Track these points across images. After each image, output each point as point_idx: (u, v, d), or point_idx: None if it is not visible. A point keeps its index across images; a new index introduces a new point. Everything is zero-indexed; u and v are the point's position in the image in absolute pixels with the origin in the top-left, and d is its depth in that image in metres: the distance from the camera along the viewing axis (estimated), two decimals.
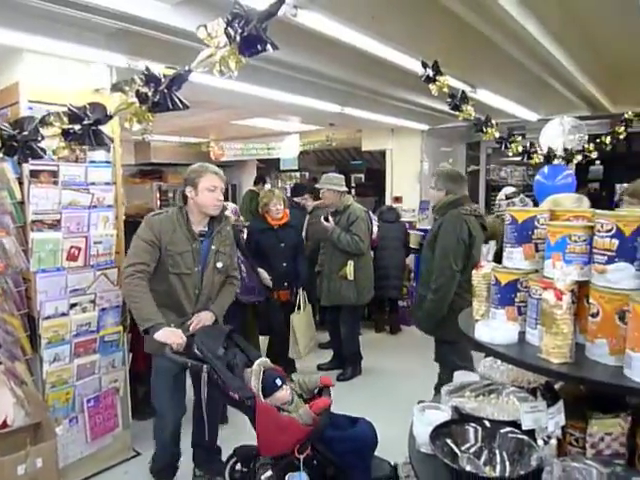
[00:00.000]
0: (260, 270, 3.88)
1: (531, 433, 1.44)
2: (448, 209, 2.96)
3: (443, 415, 1.65)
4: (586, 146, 3.93)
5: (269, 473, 2.16)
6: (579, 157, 3.86)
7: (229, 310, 2.81)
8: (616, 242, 1.23)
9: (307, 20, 2.27)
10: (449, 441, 1.51)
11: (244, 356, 2.41)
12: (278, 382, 2.22)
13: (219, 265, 2.63)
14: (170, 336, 2.32)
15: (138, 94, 1.54)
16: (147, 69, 1.54)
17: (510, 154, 3.63)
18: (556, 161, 3.73)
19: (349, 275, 4.08)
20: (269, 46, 1.29)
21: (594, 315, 1.26)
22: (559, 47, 3.24)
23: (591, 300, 1.27)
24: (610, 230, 1.24)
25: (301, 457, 2.10)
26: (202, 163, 2.63)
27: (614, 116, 5.05)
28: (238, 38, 1.25)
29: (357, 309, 4.49)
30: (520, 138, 3.62)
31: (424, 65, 2.86)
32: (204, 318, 2.57)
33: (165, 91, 1.51)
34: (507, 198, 3.85)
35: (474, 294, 1.66)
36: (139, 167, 8.66)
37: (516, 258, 1.51)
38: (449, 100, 3.14)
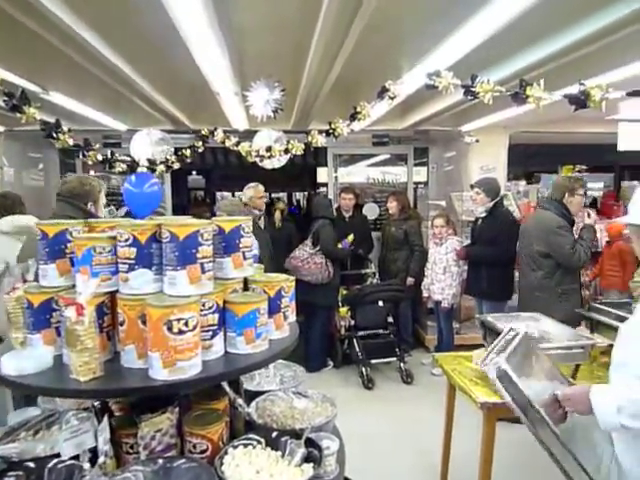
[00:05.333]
0: None
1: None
2: None
3: None
4: (169, 157, 4.20)
5: None
6: (162, 167, 4.10)
7: None
8: (134, 250, 1.29)
9: None
10: None
11: None
12: None
13: None
14: None
15: None
16: None
17: (90, 162, 3.51)
18: (140, 170, 3.85)
19: None
20: None
21: (122, 323, 1.29)
22: (134, 69, 3.34)
23: (118, 309, 1.29)
24: (128, 240, 1.28)
25: None
26: None
27: (198, 132, 5.58)
28: None
29: None
30: (98, 146, 3.53)
31: None
32: None
33: None
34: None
35: (11, 321, 1.46)
36: None
37: (51, 275, 1.40)
38: (6, 99, 2.75)
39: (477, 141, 5.17)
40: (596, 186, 9.08)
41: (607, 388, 1.67)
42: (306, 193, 15.06)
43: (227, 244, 1.45)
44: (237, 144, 4.62)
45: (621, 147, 4.99)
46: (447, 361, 2.86)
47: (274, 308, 1.49)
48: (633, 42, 2.63)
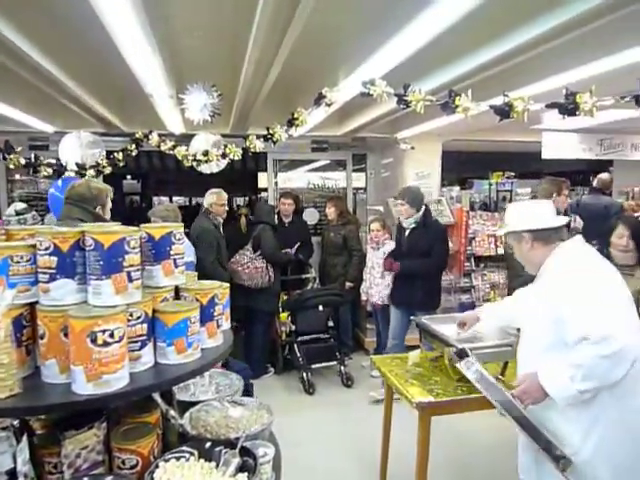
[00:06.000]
0: None
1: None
2: None
3: None
4: (99, 161, 4.04)
5: None
6: (92, 171, 3.94)
7: None
8: (55, 259, 1.22)
9: None
10: None
11: None
12: None
13: None
14: None
15: None
16: None
17: (11, 167, 3.30)
18: (68, 174, 3.67)
19: None
20: None
21: (42, 337, 1.22)
22: (60, 67, 3.18)
23: (38, 322, 1.22)
24: (48, 248, 1.22)
25: None
26: None
27: (132, 135, 5.38)
28: None
29: None
30: (21, 149, 3.34)
31: None
32: None
33: None
34: (17, 214, 3.50)
35: None
36: None
37: None
38: None
39: (412, 148, 5.34)
40: (523, 191, 9.61)
41: (552, 367, 1.74)
42: (247, 198, 14.91)
43: (157, 251, 1.41)
44: (173, 148, 4.52)
45: (545, 155, 5.34)
46: (384, 363, 2.93)
47: (207, 316, 1.46)
48: (553, 56, 2.82)
